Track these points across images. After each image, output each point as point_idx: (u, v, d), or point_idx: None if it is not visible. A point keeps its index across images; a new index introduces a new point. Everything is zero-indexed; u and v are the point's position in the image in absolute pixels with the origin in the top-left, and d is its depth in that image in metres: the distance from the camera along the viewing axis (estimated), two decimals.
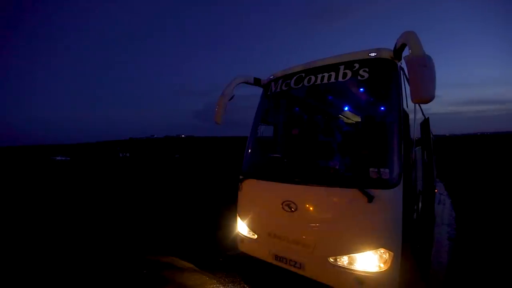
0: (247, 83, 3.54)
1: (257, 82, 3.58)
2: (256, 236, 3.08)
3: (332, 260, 2.45)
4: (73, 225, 5.94)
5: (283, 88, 3.29)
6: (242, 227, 3.28)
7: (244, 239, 3.23)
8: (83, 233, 5.36)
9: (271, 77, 3.55)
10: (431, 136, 6.47)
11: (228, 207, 5.67)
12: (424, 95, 1.91)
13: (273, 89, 3.43)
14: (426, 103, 1.99)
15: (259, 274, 3.38)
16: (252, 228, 3.12)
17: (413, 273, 2.62)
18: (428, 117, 4.04)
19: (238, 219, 3.35)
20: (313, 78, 3.01)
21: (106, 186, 12.09)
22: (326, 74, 2.90)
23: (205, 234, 5.13)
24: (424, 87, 1.89)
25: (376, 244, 2.27)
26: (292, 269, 2.70)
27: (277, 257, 2.82)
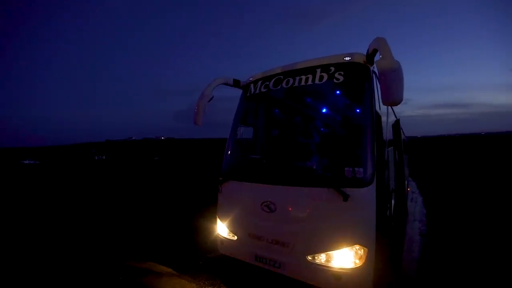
0: (226, 84, 3.54)
1: (236, 83, 3.59)
2: (236, 237, 3.07)
3: (310, 258, 2.51)
4: (39, 234, 5.58)
5: (262, 90, 3.32)
6: (222, 229, 3.26)
7: (224, 240, 3.21)
8: (50, 243, 5.05)
9: (251, 79, 3.57)
10: (403, 137, 6.79)
11: (208, 208, 5.60)
12: (393, 98, 2.01)
13: (252, 90, 3.46)
14: (396, 105, 2.11)
15: (239, 275, 3.37)
16: (232, 230, 3.12)
17: (386, 267, 2.74)
18: (398, 119, 4.25)
19: (218, 220, 3.33)
20: (291, 80, 3.07)
21: (78, 191, 11.48)
22: (303, 77, 2.97)
23: (185, 237, 5.02)
24: (393, 90, 1.99)
25: (352, 241, 2.36)
26: (272, 268, 2.73)
27: (257, 258, 2.83)
